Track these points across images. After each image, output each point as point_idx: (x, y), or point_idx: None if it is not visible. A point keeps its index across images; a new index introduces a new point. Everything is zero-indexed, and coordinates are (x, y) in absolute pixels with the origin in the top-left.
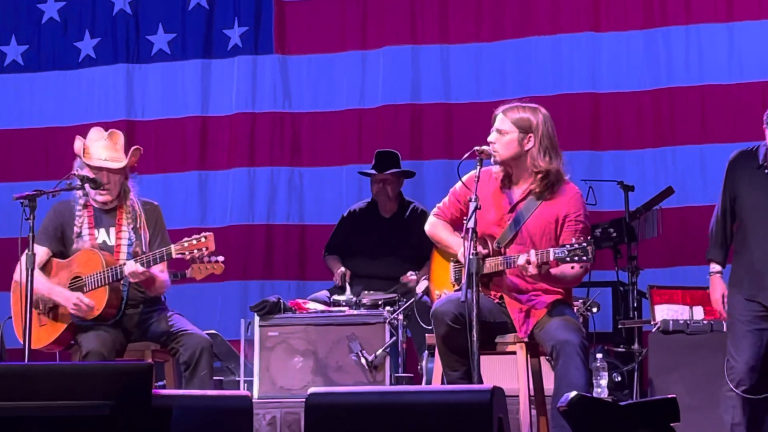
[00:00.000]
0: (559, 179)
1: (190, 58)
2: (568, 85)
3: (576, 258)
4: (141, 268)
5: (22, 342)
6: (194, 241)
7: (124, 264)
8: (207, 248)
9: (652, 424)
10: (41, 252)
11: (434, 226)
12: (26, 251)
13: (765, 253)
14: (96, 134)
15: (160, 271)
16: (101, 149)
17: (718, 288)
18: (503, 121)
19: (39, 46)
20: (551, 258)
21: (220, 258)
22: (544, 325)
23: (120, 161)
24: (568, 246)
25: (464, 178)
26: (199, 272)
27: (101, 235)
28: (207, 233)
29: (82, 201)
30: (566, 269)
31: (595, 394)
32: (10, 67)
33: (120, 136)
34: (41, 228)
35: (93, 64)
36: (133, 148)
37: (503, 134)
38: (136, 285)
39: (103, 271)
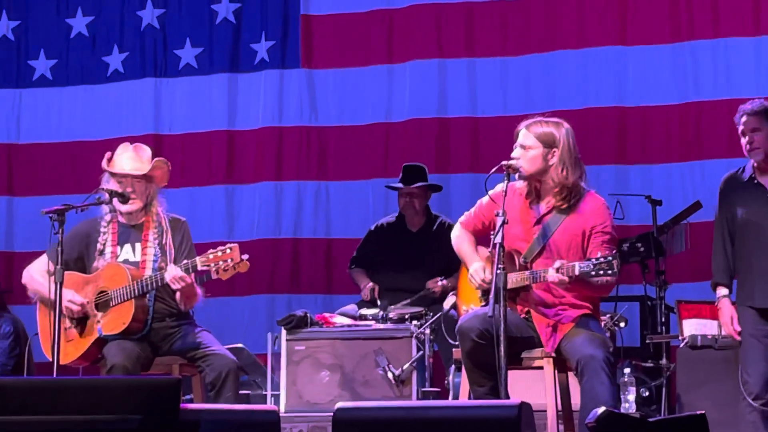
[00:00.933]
0: (579, 193)
1: (217, 72)
2: (595, 99)
3: (601, 272)
4: (183, 273)
5: (49, 358)
6: (219, 253)
7: (164, 271)
8: (232, 260)
9: None
10: (45, 264)
11: (458, 237)
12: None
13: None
14: (122, 148)
15: None
16: (126, 160)
17: (726, 312)
18: (527, 137)
19: (67, 60)
20: (576, 273)
21: (245, 256)
22: (571, 339)
23: (142, 170)
24: (593, 260)
25: (491, 193)
26: (225, 272)
27: (124, 253)
28: (232, 245)
29: (108, 218)
30: (593, 279)
31: (622, 410)
32: (38, 81)
33: (146, 150)
34: (54, 243)
35: (121, 78)
36: (156, 159)
37: (527, 149)
38: (163, 299)
39: (129, 285)
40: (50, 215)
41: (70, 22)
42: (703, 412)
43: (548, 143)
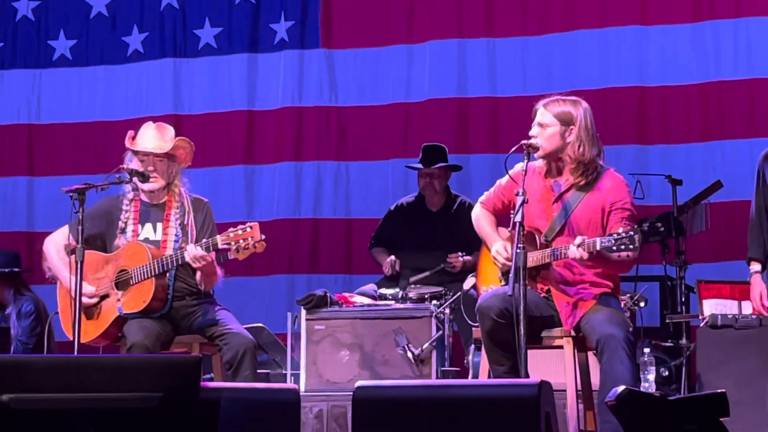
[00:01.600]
0: (596, 169)
1: (237, 53)
2: (616, 79)
3: (623, 247)
4: (203, 252)
5: (70, 336)
6: (240, 231)
7: (184, 250)
8: (253, 238)
9: (701, 419)
10: (66, 237)
11: (478, 216)
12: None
13: None
14: (145, 126)
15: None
16: (149, 138)
17: (756, 287)
18: (544, 115)
19: (87, 40)
20: (597, 248)
21: (262, 236)
22: (590, 318)
23: (164, 149)
24: (614, 235)
25: (510, 173)
26: (245, 251)
27: (145, 232)
28: (252, 223)
29: (130, 196)
30: (613, 254)
31: (642, 389)
32: (58, 61)
33: (169, 129)
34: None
35: (141, 58)
36: (179, 138)
37: (545, 128)
38: (183, 277)
39: (150, 264)
40: (70, 194)
41: (90, 2)
42: (724, 390)
43: (566, 121)
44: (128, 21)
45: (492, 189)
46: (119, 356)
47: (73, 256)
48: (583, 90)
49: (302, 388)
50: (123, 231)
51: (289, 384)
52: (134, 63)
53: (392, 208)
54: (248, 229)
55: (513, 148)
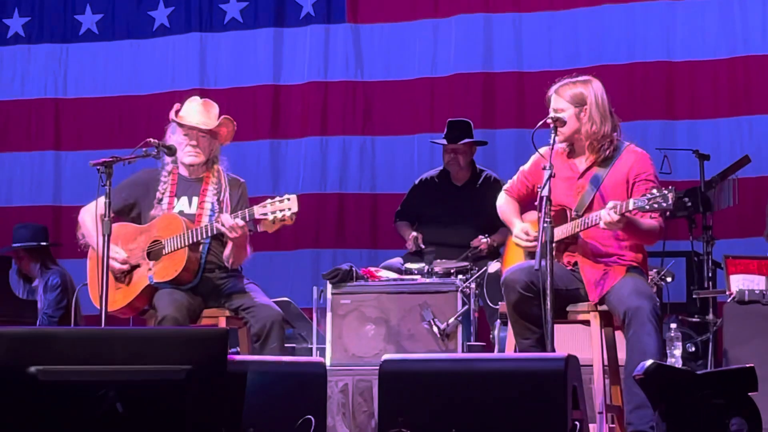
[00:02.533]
0: (612, 143)
1: (263, 27)
2: (642, 54)
3: (656, 206)
4: (240, 222)
5: (97, 306)
6: (278, 203)
7: (219, 220)
8: (290, 209)
9: (729, 394)
10: (102, 207)
11: (502, 204)
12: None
13: None
14: (192, 100)
15: None
16: (194, 113)
17: None
18: (558, 100)
19: (113, 15)
20: (630, 208)
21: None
22: (617, 290)
23: (209, 125)
24: (647, 195)
25: (533, 158)
26: (271, 225)
27: (180, 204)
28: (291, 195)
29: (169, 168)
30: (644, 220)
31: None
32: (85, 35)
33: (214, 106)
34: (116, 187)
35: (167, 33)
36: (224, 117)
37: (560, 112)
38: (215, 251)
39: (184, 234)
40: (98, 167)
41: None
42: (752, 365)
43: (579, 102)
44: None
45: (515, 176)
46: (147, 328)
47: (113, 224)
48: (610, 65)
49: (328, 362)
50: (160, 202)
51: (316, 357)
52: (160, 37)
53: (417, 182)
54: (287, 200)
55: (539, 123)
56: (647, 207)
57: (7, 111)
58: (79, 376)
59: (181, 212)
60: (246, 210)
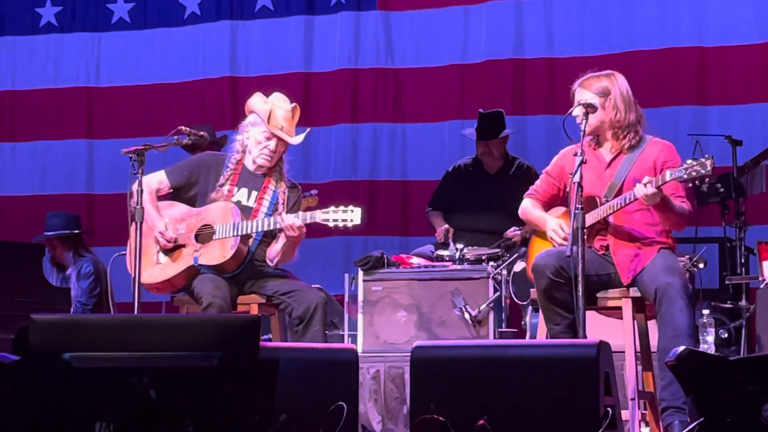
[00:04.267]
0: (637, 133)
1: (294, 15)
2: (674, 39)
3: (695, 173)
4: (300, 222)
5: (131, 274)
6: (341, 212)
7: (280, 215)
8: (352, 220)
9: (763, 380)
10: (162, 180)
11: (525, 206)
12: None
13: None
14: (281, 101)
15: None
16: (282, 119)
17: None
18: (582, 93)
19: (145, 3)
20: (668, 179)
21: (314, 191)
22: (649, 270)
23: (292, 136)
24: (684, 165)
25: (555, 159)
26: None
27: (239, 195)
28: (356, 208)
29: (237, 157)
30: (676, 202)
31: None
32: (117, 24)
33: (299, 114)
34: (178, 164)
35: (198, 21)
36: (306, 131)
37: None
38: (267, 243)
39: (239, 223)
40: (130, 155)
41: None
42: None
43: (603, 93)
44: None
45: (538, 180)
46: (179, 315)
47: (165, 202)
48: (641, 50)
49: (359, 349)
50: (222, 186)
51: (348, 344)
52: (191, 26)
53: (450, 169)
54: (350, 212)
55: (571, 110)
56: (685, 176)
57: (40, 100)
58: (113, 363)
59: (238, 203)
60: (309, 213)
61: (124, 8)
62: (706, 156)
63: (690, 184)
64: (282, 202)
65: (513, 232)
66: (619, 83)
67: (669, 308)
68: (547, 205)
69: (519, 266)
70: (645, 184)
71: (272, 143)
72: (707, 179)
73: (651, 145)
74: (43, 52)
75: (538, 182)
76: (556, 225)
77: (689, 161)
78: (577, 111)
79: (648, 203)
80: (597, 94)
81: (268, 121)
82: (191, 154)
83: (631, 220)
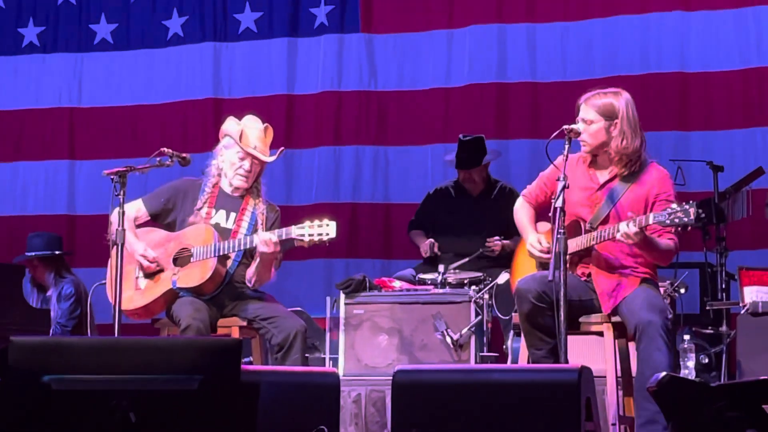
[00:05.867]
0: (640, 158)
1: (277, 37)
2: (657, 65)
3: (677, 220)
4: (275, 238)
5: (112, 303)
6: (316, 226)
7: (252, 235)
8: (328, 234)
9: (743, 406)
10: (140, 209)
11: (518, 209)
12: (117, 209)
13: None
14: (253, 122)
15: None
16: (255, 138)
17: None
18: (587, 111)
19: (128, 24)
20: (651, 222)
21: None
22: (630, 302)
23: (266, 155)
24: (668, 209)
25: (554, 162)
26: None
27: (217, 217)
28: (330, 221)
29: (213, 180)
30: (661, 240)
31: (682, 376)
32: (100, 45)
33: (272, 133)
34: (155, 191)
35: (181, 42)
36: (280, 150)
37: (589, 124)
38: (246, 264)
39: (215, 245)
40: (112, 177)
41: None
42: (766, 377)
43: (609, 115)
44: (168, 5)
45: (534, 182)
46: (159, 338)
47: (143, 228)
48: (624, 76)
49: (341, 372)
50: (200, 209)
51: (329, 368)
52: (174, 47)
53: (431, 191)
54: (325, 225)
55: (554, 134)
56: (668, 222)
57: (22, 120)
58: (93, 386)
59: (217, 225)
60: (284, 228)
61: (107, 29)
62: (690, 203)
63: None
64: (261, 222)
65: (493, 242)
66: (626, 104)
67: (648, 346)
68: (538, 209)
69: (503, 278)
70: (628, 224)
71: (246, 163)
72: (689, 228)
73: (648, 172)
74: (25, 73)
75: (533, 185)
76: (534, 239)
77: (673, 206)
78: (580, 126)
79: (627, 243)
80: (602, 115)
81: (240, 140)
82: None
83: (613, 248)
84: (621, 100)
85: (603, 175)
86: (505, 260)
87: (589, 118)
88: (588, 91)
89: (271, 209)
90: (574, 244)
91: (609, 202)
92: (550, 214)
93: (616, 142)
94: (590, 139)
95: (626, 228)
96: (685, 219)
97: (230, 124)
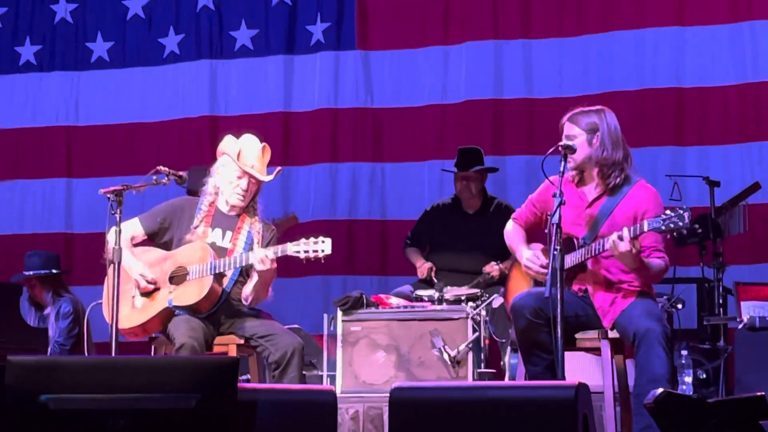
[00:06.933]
0: (623, 172)
1: (273, 54)
2: (652, 80)
3: (672, 225)
4: (271, 254)
5: (109, 322)
6: (312, 243)
7: (248, 253)
8: (323, 251)
9: (741, 422)
10: (136, 228)
11: (509, 232)
12: (114, 228)
13: None
14: (251, 141)
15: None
16: (254, 158)
17: None
18: (571, 128)
19: (124, 42)
20: (646, 229)
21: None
22: (628, 313)
23: (263, 174)
24: (662, 216)
25: (542, 185)
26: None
27: (213, 235)
28: (326, 239)
29: (209, 199)
30: (652, 260)
31: (680, 392)
32: (96, 63)
33: (269, 153)
34: (151, 210)
35: (177, 60)
36: (277, 170)
37: (572, 139)
38: (243, 283)
39: (212, 263)
40: (108, 195)
41: (126, 3)
42: (763, 393)
43: (591, 129)
44: (164, 23)
45: (523, 205)
46: (157, 357)
47: (139, 247)
48: (620, 91)
49: (338, 389)
50: (197, 227)
51: (326, 385)
52: (171, 64)
53: (428, 208)
54: (321, 242)
55: (550, 150)
56: (663, 227)
57: (19, 139)
58: (90, 405)
59: (213, 243)
60: (279, 246)
61: (103, 47)
62: (683, 208)
63: (668, 235)
64: (257, 241)
65: (491, 268)
66: (607, 119)
67: (646, 353)
68: (529, 230)
69: (497, 302)
70: (621, 238)
71: (244, 182)
72: (685, 231)
73: (636, 189)
74: (22, 91)
75: (522, 207)
76: (531, 255)
77: (667, 212)
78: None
79: (620, 260)
80: (584, 130)
81: (237, 159)
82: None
83: (608, 264)
84: (603, 116)
85: (591, 193)
86: (504, 281)
87: (573, 133)
88: (570, 111)
89: (267, 228)
90: (568, 260)
91: (601, 218)
92: (546, 231)
93: (597, 153)
94: (575, 154)
95: (619, 244)
96: (680, 223)
97: (228, 143)
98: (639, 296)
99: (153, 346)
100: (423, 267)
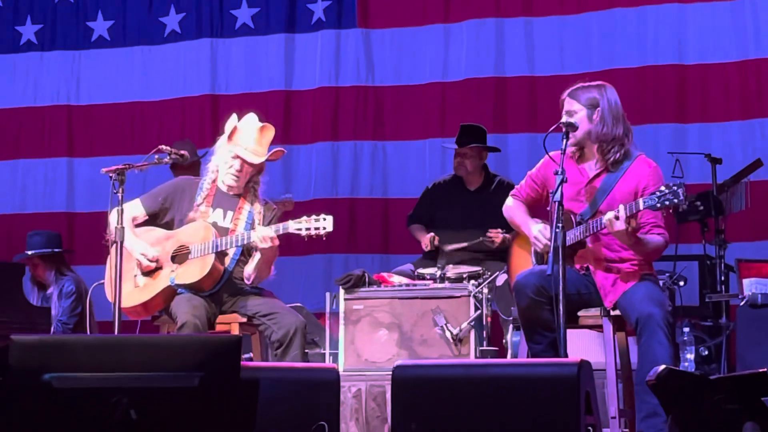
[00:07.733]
0: (623, 147)
1: (274, 33)
2: (654, 57)
3: (667, 202)
4: (272, 233)
5: (111, 301)
6: (314, 221)
7: (250, 231)
8: (324, 228)
9: (743, 399)
10: (138, 208)
11: (510, 207)
12: (116, 208)
13: None
14: (248, 122)
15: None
16: (249, 139)
17: None
18: (571, 102)
19: (124, 21)
20: (641, 207)
21: (289, 195)
22: (630, 295)
23: (259, 156)
24: (657, 193)
25: (542, 160)
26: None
27: (215, 215)
28: (327, 216)
29: (211, 177)
30: (650, 236)
31: (682, 369)
32: (97, 42)
33: (271, 133)
34: (152, 191)
35: (178, 39)
36: (276, 149)
37: (573, 115)
38: (243, 264)
39: (213, 241)
40: (110, 174)
41: None
42: (766, 370)
43: (592, 104)
44: (165, 1)
45: (522, 181)
46: (160, 336)
47: (141, 227)
48: (621, 68)
49: (341, 367)
50: (199, 205)
51: (329, 364)
52: (172, 43)
53: (430, 186)
54: (322, 220)
55: (551, 128)
56: (658, 205)
57: (20, 118)
58: (93, 383)
59: (214, 223)
60: (281, 223)
61: (104, 26)
62: (678, 184)
63: (665, 212)
64: (258, 221)
65: (496, 233)
66: (608, 95)
67: (649, 339)
68: (529, 206)
69: (501, 279)
70: (617, 216)
71: (237, 163)
72: (681, 207)
73: (638, 164)
74: (23, 71)
75: (522, 183)
76: (538, 231)
77: (662, 188)
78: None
79: (617, 238)
80: (585, 105)
81: (229, 139)
82: (173, 172)
83: (608, 242)
84: (603, 91)
85: (591, 170)
86: (502, 254)
87: (573, 109)
88: (570, 87)
89: (267, 208)
90: (568, 238)
91: (601, 194)
92: (548, 209)
93: (597, 128)
94: (575, 130)
95: (614, 223)
96: (675, 200)
97: (228, 123)
98: (641, 278)
99: (158, 326)
100: (425, 239)
